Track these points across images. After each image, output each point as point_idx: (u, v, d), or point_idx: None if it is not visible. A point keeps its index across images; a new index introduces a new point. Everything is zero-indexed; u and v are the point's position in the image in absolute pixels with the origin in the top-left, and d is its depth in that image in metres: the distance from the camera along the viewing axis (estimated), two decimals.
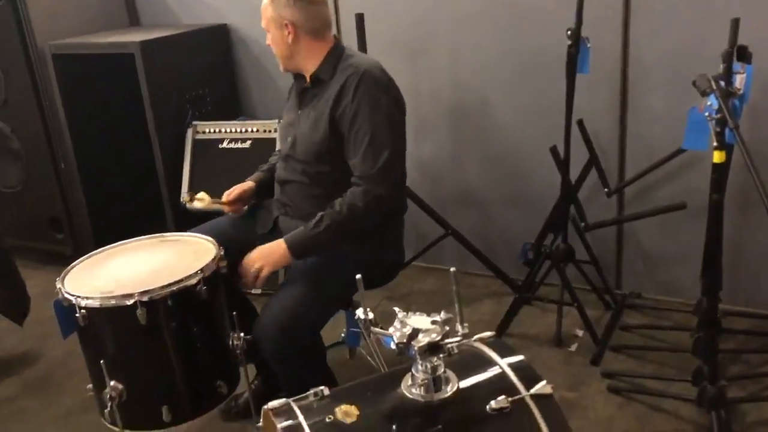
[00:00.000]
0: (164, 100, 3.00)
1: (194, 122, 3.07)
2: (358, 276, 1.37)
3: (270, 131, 2.96)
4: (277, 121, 2.97)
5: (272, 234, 2.13)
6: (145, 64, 2.87)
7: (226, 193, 2.23)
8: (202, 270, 1.78)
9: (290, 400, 1.37)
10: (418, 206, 2.80)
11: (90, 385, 1.87)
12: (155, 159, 3.04)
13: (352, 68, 1.96)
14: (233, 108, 3.38)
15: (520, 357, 1.46)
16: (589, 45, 2.33)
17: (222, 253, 1.89)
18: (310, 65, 2.02)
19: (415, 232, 3.02)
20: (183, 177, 3.04)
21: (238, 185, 2.25)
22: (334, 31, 2.06)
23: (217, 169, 3.00)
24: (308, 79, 2.04)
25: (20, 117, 3.27)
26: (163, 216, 3.15)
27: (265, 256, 1.95)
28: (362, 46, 2.66)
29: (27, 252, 3.56)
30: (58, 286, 1.79)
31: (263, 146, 2.96)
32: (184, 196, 2.36)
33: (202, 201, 2.29)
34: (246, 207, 2.27)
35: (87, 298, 1.71)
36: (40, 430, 2.32)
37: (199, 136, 3.05)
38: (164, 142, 3.03)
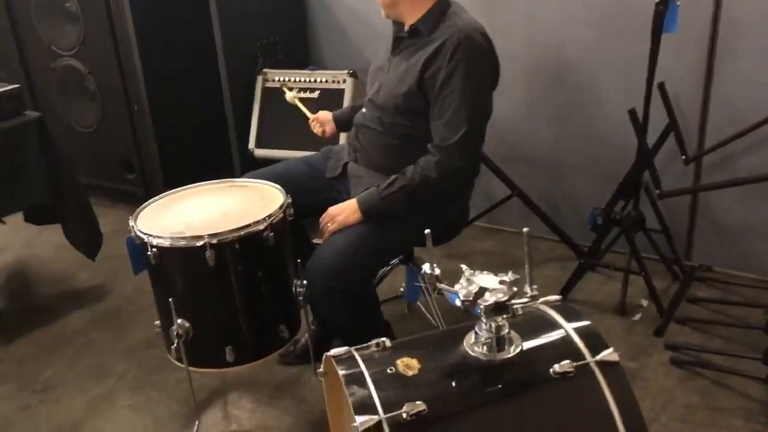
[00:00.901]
0: (236, 46, 3.00)
1: (264, 69, 3.07)
2: (427, 231, 1.36)
3: (339, 82, 2.94)
4: (346, 72, 2.95)
5: (340, 179, 2.14)
6: (219, 9, 2.88)
7: (319, 114, 2.38)
8: (269, 216, 1.80)
9: (352, 348, 1.38)
10: (485, 165, 2.75)
11: (157, 322, 1.94)
12: (224, 105, 3.06)
13: (455, 29, 1.89)
14: (303, 57, 3.37)
15: (587, 322, 1.43)
16: (678, 2, 2.20)
17: (289, 200, 1.90)
18: (413, 15, 1.96)
19: (480, 191, 2.96)
20: (251, 125, 3.06)
21: (324, 112, 2.38)
22: None
23: (285, 118, 3.00)
24: (407, 28, 1.99)
25: (97, 58, 3.34)
26: (230, 162, 3.19)
27: (337, 213, 1.95)
28: None
29: (100, 191, 3.69)
30: (131, 224, 1.85)
31: (332, 97, 2.95)
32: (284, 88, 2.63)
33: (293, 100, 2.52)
34: (327, 133, 2.35)
35: (158, 237, 1.76)
36: (108, 362, 2.42)
37: (269, 84, 3.05)
38: (234, 89, 3.04)
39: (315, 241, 2.39)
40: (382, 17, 2.04)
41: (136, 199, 3.56)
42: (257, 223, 1.78)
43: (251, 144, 3.05)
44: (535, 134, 2.94)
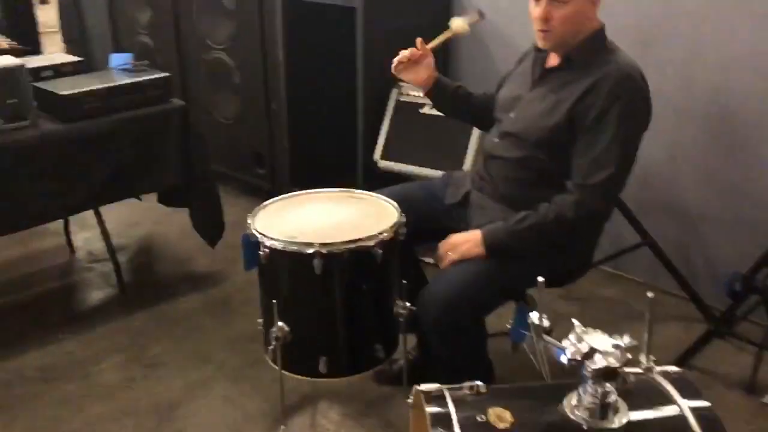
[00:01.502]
0: (377, 57, 3.01)
1: (400, 83, 3.06)
2: (540, 279, 1.27)
3: None
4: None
5: (460, 207, 2.07)
6: (365, 20, 2.90)
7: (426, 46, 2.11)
8: (381, 233, 1.77)
9: (444, 387, 1.31)
10: (617, 207, 2.58)
11: (260, 320, 1.96)
12: (357, 114, 3.09)
13: (613, 66, 1.79)
14: (443, 72, 3.32)
15: (707, 403, 1.28)
16: None
17: (403, 220, 1.87)
18: (568, 45, 1.85)
19: (608, 233, 2.80)
20: (380, 136, 3.06)
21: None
22: None
23: (414, 134, 2.99)
24: (559, 58, 1.89)
25: (245, 54, 3.48)
26: (354, 170, 3.21)
27: (459, 243, 1.87)
28: None
29: (231, 180, 3.84)
30: (249, 221, 1.88)
31: None
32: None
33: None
34: (418, 66, 2.10)
35: (272, 239, 1.78)
36: (212, 349, 2.49)
37: (403, 98, 3.04)
38: (368, 99, 3.05)
39: (426, 259, 2.34)
40: (539, 45, 1.91)
41: (262, 193, 3.68)
42: (368, 238, 1.75)
43: (377, 155, 3.05)
44: (677, 181, 2.73)
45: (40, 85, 2.53)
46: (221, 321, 2.66)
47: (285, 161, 3.52)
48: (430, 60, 2.12)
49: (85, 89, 2.48)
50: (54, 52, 3.14)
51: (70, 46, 6.33)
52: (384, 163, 3.04)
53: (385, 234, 1.78)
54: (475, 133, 2.83)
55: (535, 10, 1.83)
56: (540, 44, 1.89)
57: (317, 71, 3.40)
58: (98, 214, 2.77)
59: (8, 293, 2.87)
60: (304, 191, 2.08)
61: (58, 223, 3.12)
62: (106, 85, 2.54)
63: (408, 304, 1.89)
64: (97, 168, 2.52)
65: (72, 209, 2.64)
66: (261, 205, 1.99)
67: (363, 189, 3.13)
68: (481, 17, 2.08)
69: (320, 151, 3.49)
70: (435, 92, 2.16)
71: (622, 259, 2.76)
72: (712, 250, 2.69)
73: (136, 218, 3.50)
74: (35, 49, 3.34)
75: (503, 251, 1.83)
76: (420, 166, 2.95)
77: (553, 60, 1.92)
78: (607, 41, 1.87)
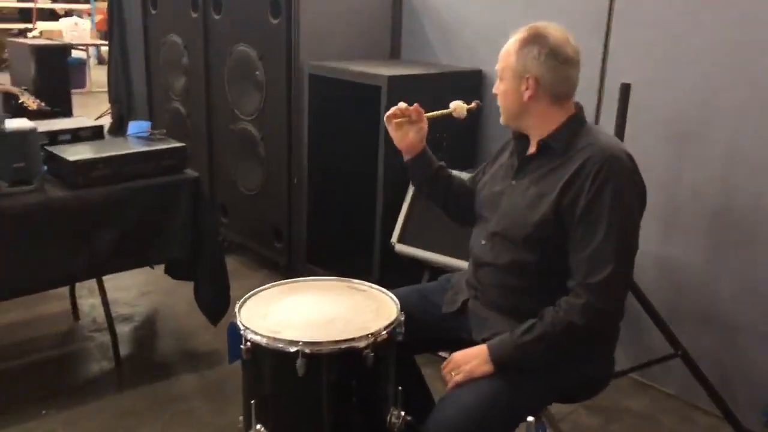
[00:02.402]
0: None
1: None
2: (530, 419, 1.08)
3: None
4: None
5: (459, 315, 1.90)
6: (389, 99, 2.82)
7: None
8: (373, 334, 1.60)
9: None
10: (647, 312, 2.38)
11: (241, 417, 1.80)
12: (377, 195, 2.97)
13: (596, 148, 1.65)
14: (468, 158, 3.22)
15: None
16: None
17: (402, 318, 1.70)
18: (539, 129, 1.74)
19: (636, 340, 2.59)
20: (399, 218, 2.93)
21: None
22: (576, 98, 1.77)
23: (435, 218, 2.84)
24: (534, 146, 1.77)
25: (270, 127, 3.44)
26: (370, 254, 3.07)
27: (463, 361, 1.68)
28: (621, 119, 2.33)
29: (250, 253, 3.74)
30: (236, 310, 1.75)
31: None
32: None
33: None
34: (410, 127, 1.98)
35: (255, 332, 1.63)
36: None
37: None
38: (389, 180, 2.95)
39: (442, 353, 2.14)
40: (501, 122, 1.81)
41: (279, 268, 3.58)
42: (359, 339, 1.59)
43: (394, 237, 2.91)
44: (714, 289, 2.51)
45: (53, 149, 2.49)
46: (214, 407, 2.50)
47: (302, 237, 3.41)
48: (424, 127, 2.00)
49: (94, 156, 2.43)
50: (81, 116, 3.12)
51: (115, 104, 6.52)
52: (401, 247, 2.90)
53: (380, 335, 1.62)
54: None
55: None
56: (501, 119, 1.82)
57: (340, 148, 3.33)
58: (100, 283, 2.68)
59: (1, 360, 2.77)
60: (301, 279, 1.94)
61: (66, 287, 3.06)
62: (116, 153, 2.48)
63: (403, 413, 1.71)
64: (102, 237, 2.43)
65: (73, 278, 2.56)
66: (253, 291, 1.86)
67: (379, 272, 3.05)
68: (478, 107, 2.03)
69: (338, 230, 3.39)
70: (417, 163, 2.02)
71: (652, 369, 2.52)
72: (751, 365, 2.44)
73: (149, 286, 3.41)
74: (66, 110, 3.36)
75: (514, 366, 1.65)
76: (438, 252, 2.80)
77: (532, 147, 1.78)
78: (587, 125, 1.74)
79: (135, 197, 2.49)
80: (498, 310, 1.79)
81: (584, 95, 1.85)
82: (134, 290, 3.37)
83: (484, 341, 1.71)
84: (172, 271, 2.85)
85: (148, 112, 4.54)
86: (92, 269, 2.49)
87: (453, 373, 1.68)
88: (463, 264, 2.73)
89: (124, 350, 2.81)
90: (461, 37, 3.26)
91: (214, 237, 2.70)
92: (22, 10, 11.02)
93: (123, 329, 3.03)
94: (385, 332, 1.63)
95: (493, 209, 1.83)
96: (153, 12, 4.26)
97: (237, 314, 1.72)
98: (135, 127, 2.75)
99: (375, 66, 3.14)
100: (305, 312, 1.75)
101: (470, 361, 1.67)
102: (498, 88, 1.78)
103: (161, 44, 4.18)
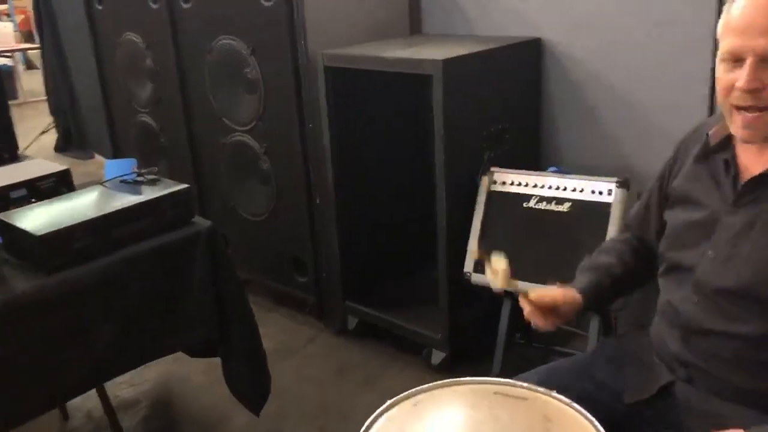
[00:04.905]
0: (459, 136, 2.27)
1: (492, 168, 2.31)
2: None
3: (601, 192, 2.12)
4: (615, 181, 2.12)
5: (656, 405, 1.30)
6: (446, 90, 2.16)
7: (537, 293, 1.39)
8: None
9: None
10: None
11: None
12: (437, 211, 2.33)
13: None
14: (534, 152, 2.59)
15: None
16: None
17: None
18: None
19: None
20: (469, 239, 2.30)
21: (556, 290, 1.40)
22: None
23: (519, 236, 2.23)
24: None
25: (275, 136, 2.75)
26: (434, 285, 2.44)
27: None
28: None
29: (261, 289, 3.07)
30: None
31: (589, 212, 2.13)
32: (473, 250, 1.43)
33: (495, 274, 1.40)
34: (557, 325, 1.41)
35: None
36: None
37: (497, 188, 2.29)
38: (450, 190, 2.30)
39: None
40: (739, 137, 1.20)
41: (304, 307, 2.93)
42: None
43: (468, 266, 2.28)
44: None
45: (7, 218, 1.77)
46: None
47: (334, 268, 2.75)
48: (551, 298, 1.38)
49: (69, 222, 1.71)
50: (35, 159, 2.37)
51: (58, 116, 5.67)
52: (478, 278, 2.27)
53: None
54: (614, 234, 2.07)
55: (732, 77, 1.13)
56: (741, 135, 1.17)
57: (372, 156, 2.68)
58: None
59: None
60: (418, 389, 1.29)
61: None
62: (98, 212, 1.78)
63: None
64: (96, 334, 1.74)
65: (65, 394, 1.85)
66: (377, 414, 1.22)
67: (447, 310, 2.42)
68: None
69: (386, 257, 2.75)
70: (592, 303, 1.44)
71: None
72: None
73: None
74: (11, 153, 2.59)
75: None
76: (535, 281, 2.18)
77: (758, 160, 1.19)
78: None
79: (133, 271, 1.80)
80: (733, 395, 1.20)
81: None
82: None
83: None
84: (190, 349, 2.17)
85: (108, 127, 3.77)
86: (87, 380, 1.80)
87: None
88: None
89: None
90: (499, 0, 2.60)
91: (242, 303, 2.02)
92: None
93: (129, 423, 2.35)
94: None
95: (694, 245, 1.24)
96: (99, 7, 3.46)
97: None
98: (115, 168, 2.03)
99: (408, 47, 2.47)
100: None
101: None
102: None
103: (116, 45, 3.40)
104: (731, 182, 1.23)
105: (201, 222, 1.95)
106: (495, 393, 1.28)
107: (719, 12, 2.04)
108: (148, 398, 2.51)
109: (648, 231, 1.45)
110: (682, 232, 1.29)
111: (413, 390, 1.28)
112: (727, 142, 1.23)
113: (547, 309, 1.36)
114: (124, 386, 2.55)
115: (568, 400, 1.21)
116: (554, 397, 1.24)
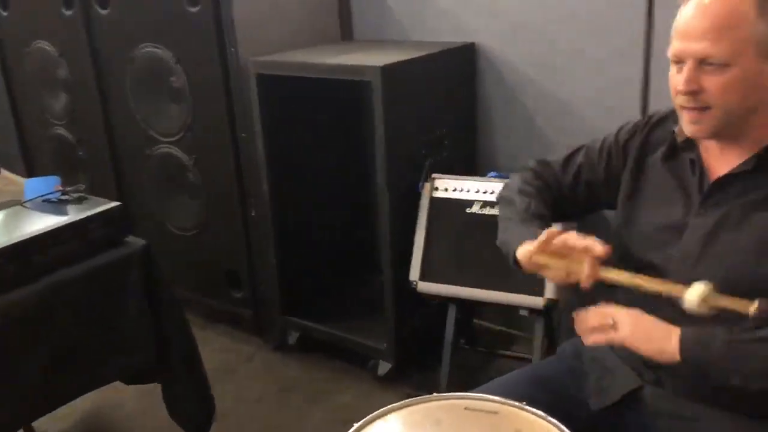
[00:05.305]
0: (399, 143, 2.24)
1: (433, 175, 2.29)
2: None
3: None
4: None
5: (621, 412, 1.31)
6: (385, 96, 2.12)
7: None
8: None
9: None
10: None
11: None
12: (380, 220, 2.29)
13: None
14: (471, 157, 2.59)
15: None
16: None
17: None
18: (760, 133, 1.17)
19: None
20: (414, 248, 2.26)
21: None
22: None
23: (463, 242, 2.22)
24: (738, 156, 1.19)
25: (204, 147, 2.63)
26: (377, 295, 2.40)
27: (638, 328, 1.18)
28: None
29: (190, 306, 2.93)
30: None
31: None
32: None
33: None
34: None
35: None
36: None
37: (439, 194, 2.27)
38: (393, 198, 2.27)
39: None
40: (687, 134, 1.22)
41: (243, 323, 2.82)
42: None
43: (414, 274, 2.25)
44: None
45: None
46: None
47: (272, 281, 2.66)
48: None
49: None
50: None
51: None
52: (426, 286, 2.24)
53: None
54: None
55: (678, 79, 1.16)
56: (689, 131, 1.20)
57: (309, 165, 2.61)
58: None
59: None
60: (403, 403, 1.25)
61: None
62: (20, 237, 1.64)
63: None
64: (22, 370, 1.60)
65: None
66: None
67: (394, 318, 2.37)
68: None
69: (326, 269, 2.69)
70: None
71: None
72: None
73: None
74: None
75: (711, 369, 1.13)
76: (476, 287, 2.17)
77: (722, 160, 1.21)
78: None
79: (61, 298, 1.67)
80: (711, 400, 1.21)
81: None
82: None
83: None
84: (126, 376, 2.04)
85: (19, 141, 3.53)
86: (15, 420, 1.66)
87: (606, 328, 1.17)
88: (500, 295, 2.14)
89: None
90: (432, 6, 2.59)
91: (181, 324, 1.92)
92: None
93: None
94: None
95: (658, 247, 1.26)
96: (4, 13, 3.24)
97: None
98: (36, 186, 1.88)
99: (344, 54, 2.42)
100: None
101: (648, 333, 1.17)
102: (715, 79, 1.13)
103: (24, 54, 3.19)
104: (698, 183, 1.24)
105: (134, 241, 1.84)
106: (466, 408, 1.25)
107: (649, 17, 2.14)
108: (78, 430, 2.35)
109: (561, 186, 1.43)
110: (652, 233, 1.29)
111: (383, 410, 1.24)
112: (692, 141, 1.25)
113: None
114: (48, 419, 2.37)
115: (541, 413, 1.19)
116: (525, 410, 1.22)
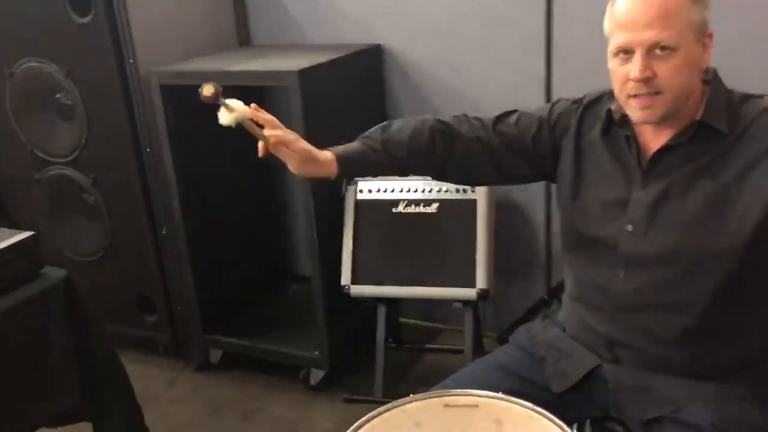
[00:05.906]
0: (318, 147, 2.21)
1: (355, 178, 2.28)
2: None
3: (465, 190, 2.18)
4: None
5: (583, 391, 1.37)
6: (303, 101, 2.09)
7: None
8: None
9: None
10: None
11: None
12: (311, 226, 2.25)
13: (757, 107, 1.23)
14: None
15: None
16: None
17: None
18: (691, 108, 1.26)
19: None
20: (343, 252, 2.25)
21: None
22: None
23: (391, 241, 2.23)
24: (673, 129, 1.27)
25: (104, 166, 2.47)
26: (302, 304, 2.36)
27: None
28: None
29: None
30: None
31: (456, 210, 2.19)
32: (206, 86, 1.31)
33: (231, 111, 1.36)
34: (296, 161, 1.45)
35: None
36: None
37: (364, 196, 2.27)
38: (317, 204, 2.24)
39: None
40: (635, 120, 1.28)
41: (156, 347, 2.68)
42: None
43: (345, 278, 2.23)
44: None
45: None
46: None
47: (190, 301, 2.55)
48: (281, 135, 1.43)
49: None
50: None
51: None
52: (359, 289, 2.23)
53: None
54: (483, 228, 2.14)
55: (626, 69, 1.22)
56: (639, 117, 1.26)
57: (223, 177, 2.53)
58: None
59: None
60: (382, 409, 1.23)
61: None
62: None
63: None
64: None
65: None
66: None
67: (324, 320, 2.34)
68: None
69: (239, 282, 2.61)
70: (348, 171, 1.55)
71: None
72: None
73: None
74: None
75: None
76: (411, 284, 2.19)
77: (656, 135, 1.30)
78: (727, 88, 1.30)
79: None
80: (670, 370, 1.29)
81: None
82: None
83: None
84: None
85: None
86: None
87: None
88: (434, 290, 2.18)
89: None
90: (332, 8, 2.58)
91: (111, 357, 1.79)
92: None
93: None
94: None
95: (616, 229, 1.31)
96: None
97: None
98: None
99: (252, 59, 2.36)
100: None
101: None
102: (666, 64, 1.19)
103: None
104: (636, 158, 1.31)
105: (53, 272, 1.70)
106: (446, 405, 1.25)
107: (548, 12, 2.25)
108: None
109: (489, 136, 1.44)
110: (598, 209, 1.34)
111: (361, 420, 1.21)
112: (627, 119, 1.31)
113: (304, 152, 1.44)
114: None
115: (517, 400, 1.22)
116: (500, 398, 1.24)
